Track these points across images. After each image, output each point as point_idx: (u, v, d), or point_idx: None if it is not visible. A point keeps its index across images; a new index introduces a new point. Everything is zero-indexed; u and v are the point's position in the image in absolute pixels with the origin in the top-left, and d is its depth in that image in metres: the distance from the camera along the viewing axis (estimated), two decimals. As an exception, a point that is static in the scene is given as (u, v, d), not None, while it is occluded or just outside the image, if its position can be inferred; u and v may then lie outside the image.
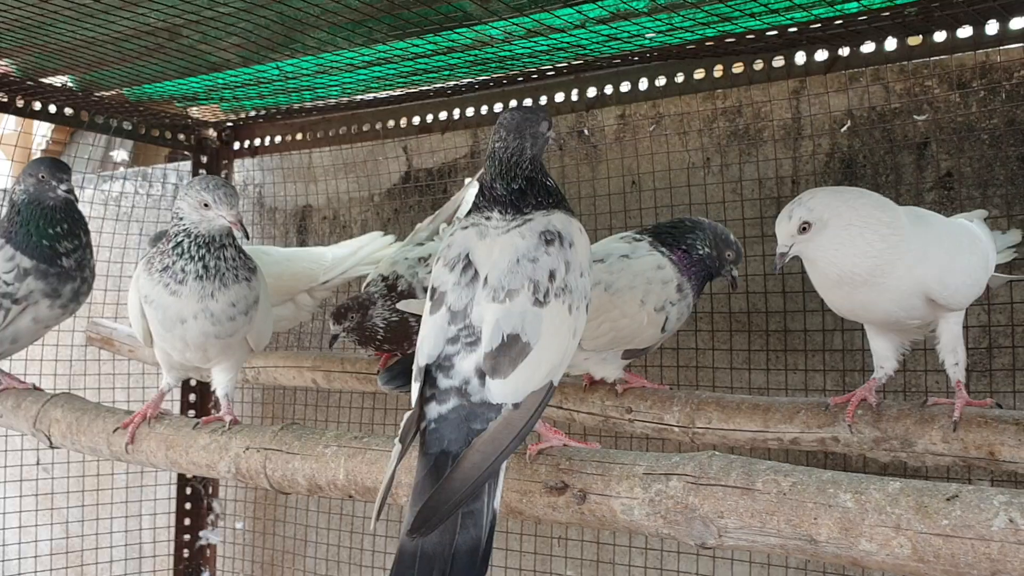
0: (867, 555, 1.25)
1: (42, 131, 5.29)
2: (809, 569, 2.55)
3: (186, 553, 3.62)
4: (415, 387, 1.46)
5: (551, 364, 1.43)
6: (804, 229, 1.72)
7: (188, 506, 3.64)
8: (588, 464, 1.50)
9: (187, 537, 3.63)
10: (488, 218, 1.54)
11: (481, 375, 1.41)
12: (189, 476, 3.59)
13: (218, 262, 1.97)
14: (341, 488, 1.76)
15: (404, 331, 2.49)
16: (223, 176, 3.71)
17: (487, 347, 1.41)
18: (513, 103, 3.00)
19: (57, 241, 2.37)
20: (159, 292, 1.97)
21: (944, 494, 1.22)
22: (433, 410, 1.42)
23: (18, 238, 2.35)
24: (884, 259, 1.70)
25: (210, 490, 3.68)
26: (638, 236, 2.17)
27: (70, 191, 2.39)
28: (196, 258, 1.95)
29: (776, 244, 1.78)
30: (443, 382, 1.43)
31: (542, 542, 3.00)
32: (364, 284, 2.66)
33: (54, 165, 2.40)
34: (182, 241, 1.96)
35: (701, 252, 2.13)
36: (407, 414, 1.45)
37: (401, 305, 2.41)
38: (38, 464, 3.53)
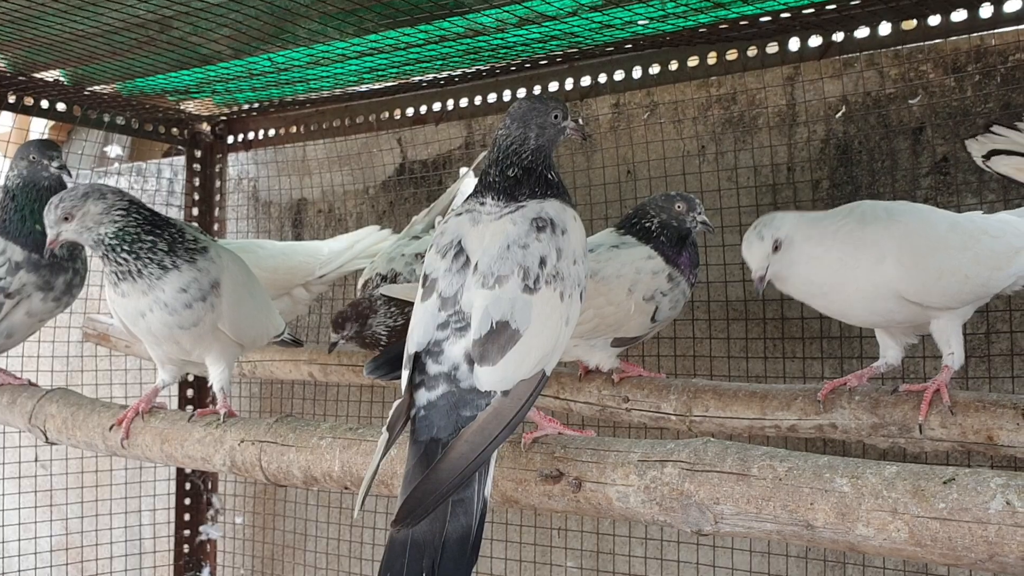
0: (864, 540, 1.24)
1: (39, 128, 5.28)
2: (809, 557, 2.55)
3: (186, 548, 3.62)
4: (404, 374, 1.45)
5: (542, 352, 1.42)
6: (776, 248, 1.79)
7: (188, 501, 3.64)
8: (583, 452, 1.49)
9: (187, 532, 3.63)
10: (482, 203, 1.53)
11: (470, 361, 1.40)
12: (188, 471, 3.59)
13: (134, 263, 1.91)
14: (336, 480, 1.75)
15: None
16: (216, 170, 3.70)
17: (476, 334, 1.40)
18: (507, 93, 2.99)
19: None
20: (112, 295, 1.98)
21: (941, 477, 1.21)
22: (422, 397, 1.41)
23: (11, 226, 2.34)
24: (842, 271, 1.78)
25: (209, 485, 3.68)
26: (621, 231, 2.19)
27: (62, 166, 2.38)
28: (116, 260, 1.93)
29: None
30: (432, 368, 1.42)
31: (542, 533, 3.00)
32: (361, 281, 2.64)
33: (43, 144, 2.40)
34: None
35: (650, 224, 2.14)
36: (396, 402, 1.44)
37: (384, 289, 2.40)
38: (36, 461, 3.52)
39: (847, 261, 1.77)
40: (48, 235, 1.92)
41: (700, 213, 2.15)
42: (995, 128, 1.38)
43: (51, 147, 2.39)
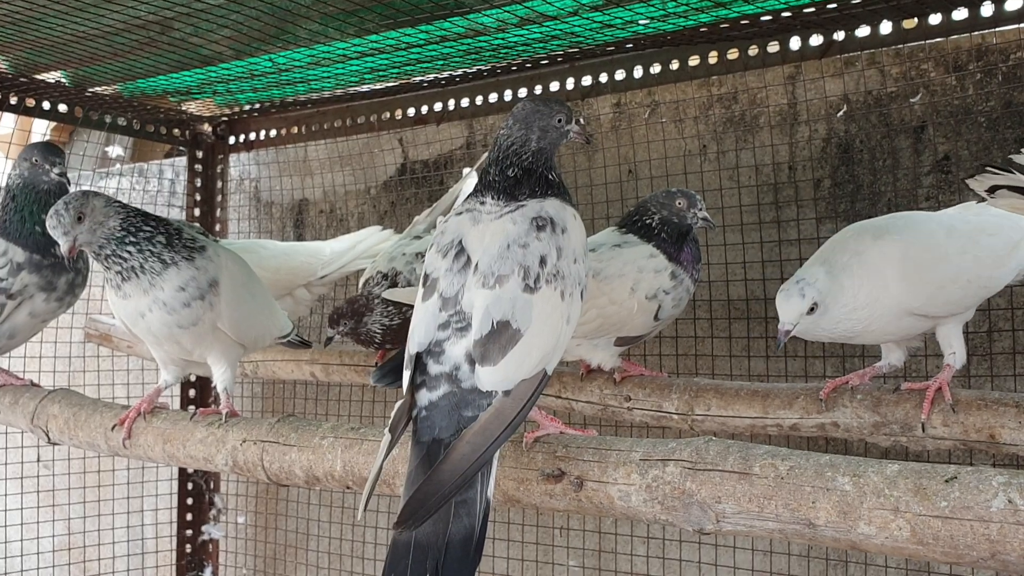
0: (866, 538, 1.24)
1: (41, 129, 5.29)
2: (811, 556, 2.55)
3: (188, 548, 3.63)
4: (406, 375, 1.45)
5: (543, 351, 1.42)
6: (812, 310, 1.78)
7: (190, 501, 3.65)
8: (585, 451, 1.49)
9: (189, 532, 3.64)
10: (482, 203, 1.53)
11: (471, 361, 1.40)
12: (190, 471, 3.59)
13: (137, 256, 1.92)
14: (338, 479, 1.75)
15: (405, 334, 2.49)
16: (218, 171, 3.70)
17: (477, 334, 1.40)
18: (508, 93, 2.99)
19: None
20: (113, 299, 1.98)
21: (943, 476, 1.21)
22: (424, 397, 1.41)
23: (11, 227, 2.34)
24: (868, 315, 1.80)
25: (212, 485, 3.68)
26: (623, 230, 2.18)
27: (63, 174, 2.38)
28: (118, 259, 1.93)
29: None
30: (434, 368, 1.41)
31: (544, 532, 3.00)
32: (362, 280, 2.65)
33: (47, 148, 2.39)
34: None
35: (651, 221, 2.14)
36: (398, 403, 1.44)
37: (387, 294, 2.40)
38: (39, 461, 3.53)
39: (871, 312, 1.79)
40: (62, 244, 1.89)
41: (701, 209, 2.15)
42: (988, 169, 1.40)
43: (55, 152, 2.39)
